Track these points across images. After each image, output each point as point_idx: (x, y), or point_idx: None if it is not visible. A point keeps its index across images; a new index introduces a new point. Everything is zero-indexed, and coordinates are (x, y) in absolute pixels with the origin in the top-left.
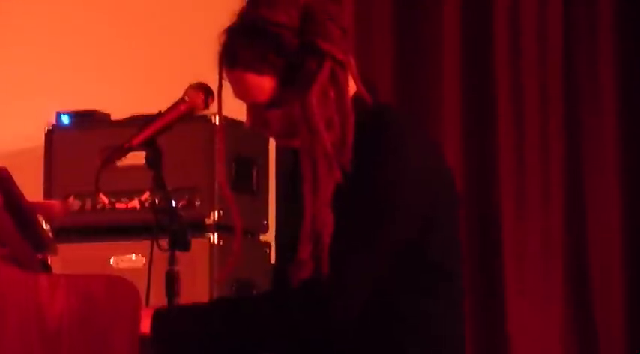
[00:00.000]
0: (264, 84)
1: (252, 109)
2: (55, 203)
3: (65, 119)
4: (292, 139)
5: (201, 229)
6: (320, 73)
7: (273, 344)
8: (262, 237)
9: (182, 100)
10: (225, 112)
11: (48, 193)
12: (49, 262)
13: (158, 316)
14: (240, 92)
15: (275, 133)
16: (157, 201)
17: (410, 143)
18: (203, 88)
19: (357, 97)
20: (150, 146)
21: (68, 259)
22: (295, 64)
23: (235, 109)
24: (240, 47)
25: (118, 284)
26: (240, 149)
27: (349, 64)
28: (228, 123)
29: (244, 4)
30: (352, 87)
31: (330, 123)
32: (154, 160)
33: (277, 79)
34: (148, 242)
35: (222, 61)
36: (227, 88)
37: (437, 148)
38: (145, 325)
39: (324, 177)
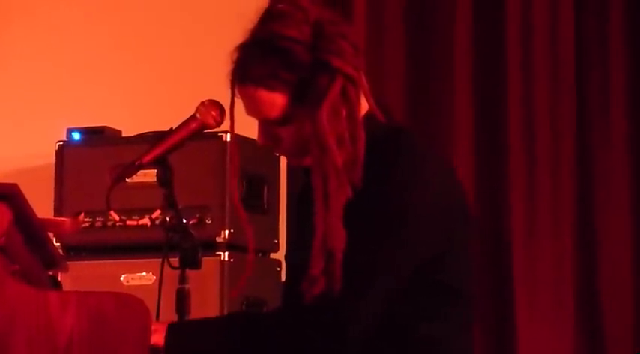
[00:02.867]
0: (276, 100)
1: (264, 126)
2: (66, 220)
3: (76, 136)
4: (303, 157)
5: (212, 247)
6: (331, 89)
7: None
8: (273, 255)
9: (193, 117)
10: (236, 130)
11: (58, 210)
12: (60, 279)
13: (173, 330)
14: (252, 109)
15: (286, 150)
16: (167, 219)
17: (427, 163)
18: (214, 106)
19: (369, 115)
20: (161, 164)
21: (78, 276)
22: (306, 80)
23: (246, 126)
24: (252, 63)
25: (128, 302)
26: (251, 167)
27: (361, 81)
28: (239, 141)
29: (256, 20)
30: (364, 106)
31: (341, 140)
32: (165, 178)
33: (288, 96)
34: (158, 260)
35: (234, 77)
36: (238, 106)
37: (452, 170)
38: (159, 338)
39: (334, 193)
